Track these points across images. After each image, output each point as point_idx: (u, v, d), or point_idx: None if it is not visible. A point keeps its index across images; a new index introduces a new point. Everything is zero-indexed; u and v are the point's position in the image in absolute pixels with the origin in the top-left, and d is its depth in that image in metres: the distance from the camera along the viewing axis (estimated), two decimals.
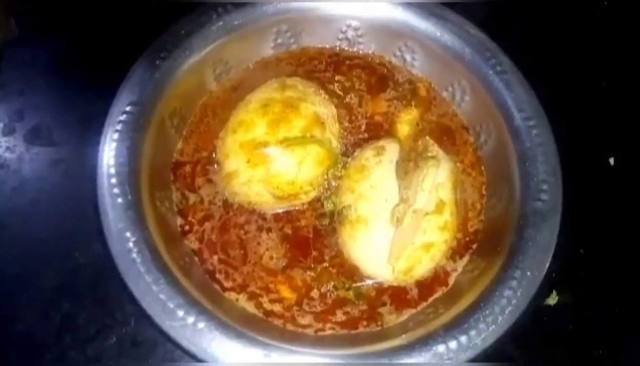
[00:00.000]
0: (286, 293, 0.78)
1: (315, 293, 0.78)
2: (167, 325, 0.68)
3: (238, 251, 0.79)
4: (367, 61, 0.94)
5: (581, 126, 0.97)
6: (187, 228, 0.80)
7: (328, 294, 0.78)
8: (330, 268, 0.79)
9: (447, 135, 0.88)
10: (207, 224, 0.81)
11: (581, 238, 0.89)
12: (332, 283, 0.78)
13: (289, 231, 0.81)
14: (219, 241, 0.80)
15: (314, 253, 0.80)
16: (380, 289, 0.78)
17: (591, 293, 0.87)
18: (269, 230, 0.81)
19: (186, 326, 0.67)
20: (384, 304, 0.77)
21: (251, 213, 0.82)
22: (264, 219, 0.82)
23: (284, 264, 0.79)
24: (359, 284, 0.78)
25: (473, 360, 0.69)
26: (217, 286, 0.77)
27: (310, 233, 0.81)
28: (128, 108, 0.77)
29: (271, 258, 0.79)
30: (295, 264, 0.79)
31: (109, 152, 0.75)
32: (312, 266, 0.79)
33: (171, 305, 0.68)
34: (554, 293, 0.84)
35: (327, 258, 0.79)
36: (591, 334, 0.85)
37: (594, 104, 1.01)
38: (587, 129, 0.98)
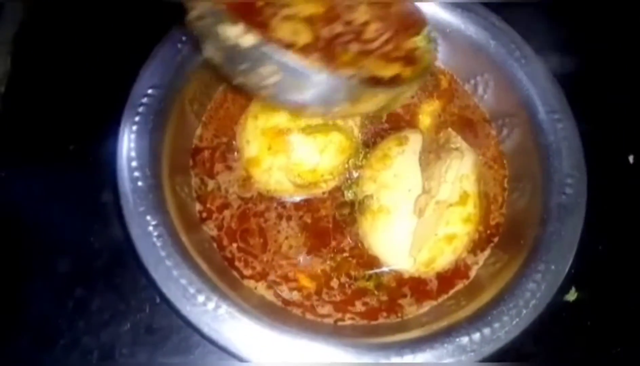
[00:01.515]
0: (305, 282, 0.77)
1: (334, 283, 0.77)
2: (187, 310, 0.66)
3: (257, 239, 0.78)
4: None
5: (601, 123, 0.96)
6: (205, 214, 0.79)
7: (347, 284, 0.77)
8: (350, 258, 0.78)
9: (469, 127, 0.87)
10: (226, 212, 0.80)
11: (600, 234, 0.88)
12: (352, 273, 0.77)
13: (309, 220, 0.80)
14: (239, 229, 0.79)
15: (334, 243, 0.79)
16: (401, 280, 0.77)
17: (610, 290, 0.86)
18: (288, 218, 0.80)
19: (207, 311, 0.66)
20: (405, 295, 0.76)
21: (270, 200, 0.81)
22: (284, 207, 0.81)
23: (303, 253, 0.78)
24: (378, 274, 0.77)
25: (491, 356, 0.68)
26: (235, 274, 0.76)
27: (330, 223, 0.80)
28: (149, 91, 0.76)
29: (290, 246, 0.78)
30: (314, 254, 0.78)
31: (129, 136, 0.74)
32: (332, 256, 0.78)
33: (192, 290, 0.67)
34: (573, 289, 0.84)
35: (347, 248, 0.78)
36: (610, 331, 0.84)
37: (614, 101, 1.00)
38: (607, 126, 0.97)
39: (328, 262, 0.77)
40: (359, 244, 0.79)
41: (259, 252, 0.77)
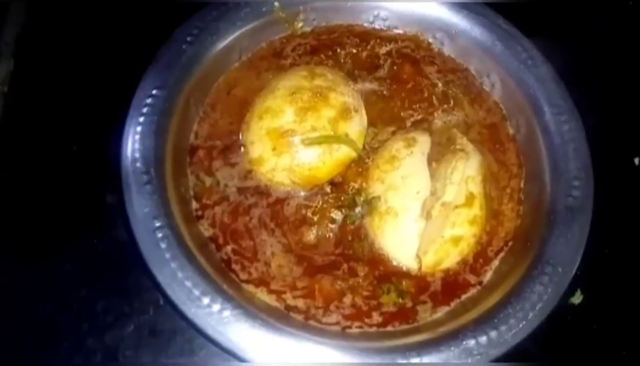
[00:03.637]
0: (313, 294, 0.74)
1: (348, 298, 0.74)
2: (192, 312, 0.66)
3: (248, 241, 0.77)
4: None
5: (607, 125, 0.96)
6: (200, 212, 0.78)
7: (363, 303, 0.74)
8: (363, 283, 0.75)
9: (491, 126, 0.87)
10: (218, 209, 0.78)
11: (605, 237, 0.88)
12: (366, 294, 0.74)
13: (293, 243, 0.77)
14: (230, 226, 0.77)
15: (345, 266, 0.76)
16: (419, 285, 0.75)
17: (615, 293, 0.86)
18: (271, 232, 0.78)
19: (211, 314, 0.66)
20: (424, 302, 0.75)
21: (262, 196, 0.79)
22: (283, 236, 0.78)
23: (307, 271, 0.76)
24: (396, 283, 0.75)
25: (498, 359, 0.68)
26: (235, 277, 0.75)
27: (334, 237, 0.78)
28: (154, 91, 0.76)
29: (280, 266, 0.76)
30: (322, 273, 0.75)
31: (134, 137, 0.73)
32: (343, 277, 0.75)
33: (197, 292, 0.67)
34: (579, 292, 0.83)
35: (361, 274, 0.76)
36: (615, 334, 0.83)
37: (620, 103, 1.00)
38: (613, 128, 0.97)
39: (339, 282, 0.75)
40: (371, 270, 0.76)
41: (253, 256, 0.76)
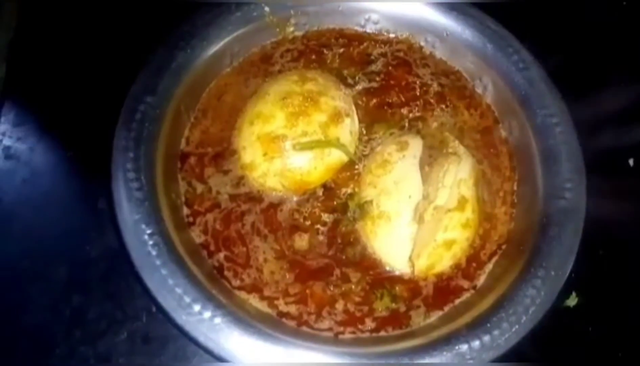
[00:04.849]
0: (306, 300, 0.74)
1: (340, 304, 0.74)
2: (183, 319, 0.66)
3: (240, 247, 0.77)
4: None
5: (600, 126, 0.95)
6: (191, 219, 0.77)
7: (356, 309, 0.74)
8: (356, 289, 0.75)
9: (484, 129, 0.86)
10: (210, 216, 0.78)
11: (600, 239, 0.87)
12: (357, 300, 0.74)
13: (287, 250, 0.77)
14: (223, 232, 0.77)
15: (337, 271, 0.75)
16: (413, 290, 0.75)
17: (611, 294, 0.85)
18: (264, 237, 0.77)
19: (202, 321, 0.66)
20: (418, 307, 0.74)
21: (255, 202, 0.79)
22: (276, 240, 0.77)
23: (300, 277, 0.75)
24: (389, 289, 0.74)
25: (494, 361, 0.67)
26: (227, 284, 0.75)
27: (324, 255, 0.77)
28: (145, 98, 0.76)
29: (272, 272, 0.76)
30: (314, 279, 0.75)
31: (125, 143, 0.73)
32: (336, 283, 0.75)
33: (187, 299, 0.66)
34: (574, 294, 0.83)
35: (354, 280, 0.75)
36: (611, 336, 0.83)
37: (614, 103, 0.99)
38: (607, 129, 0.96)
39: (331, 288, 0.74)
40: (364, 276, 0.75)
41: (245, 262, 0.75)
